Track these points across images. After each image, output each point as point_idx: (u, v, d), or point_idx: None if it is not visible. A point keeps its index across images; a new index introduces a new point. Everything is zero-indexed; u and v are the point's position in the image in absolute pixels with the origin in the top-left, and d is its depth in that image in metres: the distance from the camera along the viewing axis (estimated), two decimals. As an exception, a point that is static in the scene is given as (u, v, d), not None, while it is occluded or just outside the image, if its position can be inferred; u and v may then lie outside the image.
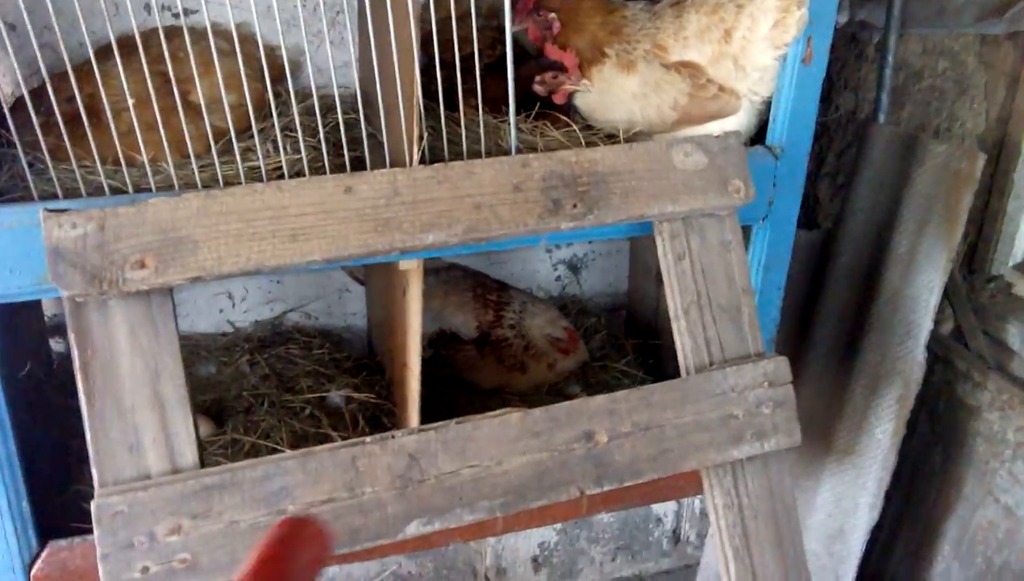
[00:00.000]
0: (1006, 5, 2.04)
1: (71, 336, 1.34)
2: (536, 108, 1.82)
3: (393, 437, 1.40)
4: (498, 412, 1.44)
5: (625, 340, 2.45)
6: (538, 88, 1.87)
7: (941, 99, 2.29)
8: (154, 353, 1.38)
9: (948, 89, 2.26)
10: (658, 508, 2.81)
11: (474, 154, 1.65)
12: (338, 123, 1.80)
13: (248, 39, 1.98)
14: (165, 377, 1.38)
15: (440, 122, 1.75)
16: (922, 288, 2.07)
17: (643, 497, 2.10)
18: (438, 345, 2.23)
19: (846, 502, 2.25)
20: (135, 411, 1.35)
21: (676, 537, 2.91)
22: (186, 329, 2.31)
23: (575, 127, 1.78)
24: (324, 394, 2.05)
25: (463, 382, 2.24)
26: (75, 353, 1.34)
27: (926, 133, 2.30)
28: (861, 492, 2.19)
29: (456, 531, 1.68)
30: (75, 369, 1.34)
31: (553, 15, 1.86)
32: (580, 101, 1.90)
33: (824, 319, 2.38)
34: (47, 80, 1.45)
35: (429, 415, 2.06)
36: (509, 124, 1.62)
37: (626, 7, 1.89)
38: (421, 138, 1.58)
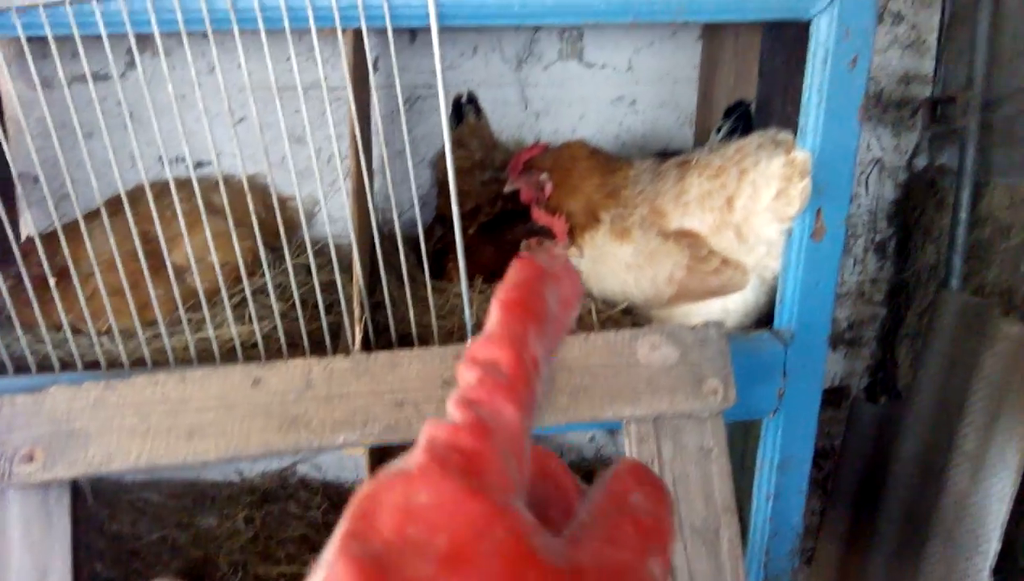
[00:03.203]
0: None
1: (-36, 526, 1.29)
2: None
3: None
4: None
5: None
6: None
7: (1033, 261, 1.94)
8: (45, 550, 1.29)
9: (1041, 250, 1.92)
10: None
11: (427, 335, 1.51)
12: (329, 282, 1.72)
13: (252, 190, 1.96)
14: (52, 578, 1.28)
15: (406, 292, 1.63)
16: (992, 496, 1.71)
17: None
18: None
19: None
20: (15, 613, 1.27)
21: None
22: (193, 477, 2.25)
23: (547, 304, 1.60)
24: (302, 569, 1.92)
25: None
26: (-34, 544, 1.28)
27: (1014, 302, 1.95)
28: None
29: None
30: (-37, 562, 1.28)
31: (545, 175, 1.71)
32: (573, 267, 1.73)
33: (890, 513, 2.02)
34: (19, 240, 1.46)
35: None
36: (463, 300, 1.47)
37: (630, 165, 1.71)
38: (362, 318, 1.46)
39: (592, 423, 1.36)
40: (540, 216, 1.69)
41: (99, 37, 1.25)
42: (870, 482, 2.13)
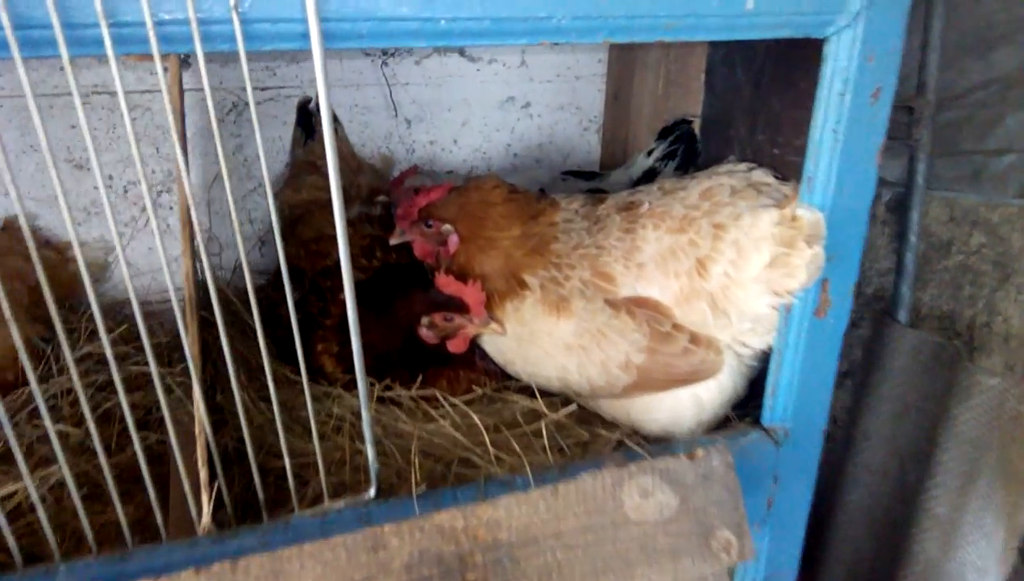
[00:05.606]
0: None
1: None
2: (419, 380, 1.23)
3: None
4: None
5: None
6: (425, 334, 1.28)
7: (976, 283, 1.73)
8: None
9: (985, 272, 1.71)
10: None
11: (305, 469, 1.05)
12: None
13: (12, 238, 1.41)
14: None
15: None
16: (968, 565, 1.51)
17: None
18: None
19: None
20: None
21: None
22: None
23: (473, 416, 1.18)
24: None
25: None
26: None
27: (956, 329, 1.74)
28: None
29: None
30: None
31: (449, 226, 1.27)
32: (491, 346, 1.31)
33: (835, 569, 1.80)
34: None
35: None
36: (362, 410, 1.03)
37: (555, 208, 1.31)
38: (214, 483, 0.98)
39: (569, 612, 0.97)
40: (446, 283, 1.25)
41: None
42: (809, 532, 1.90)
